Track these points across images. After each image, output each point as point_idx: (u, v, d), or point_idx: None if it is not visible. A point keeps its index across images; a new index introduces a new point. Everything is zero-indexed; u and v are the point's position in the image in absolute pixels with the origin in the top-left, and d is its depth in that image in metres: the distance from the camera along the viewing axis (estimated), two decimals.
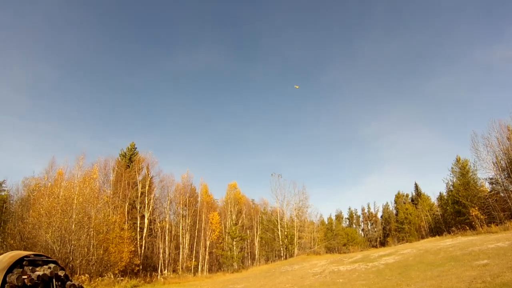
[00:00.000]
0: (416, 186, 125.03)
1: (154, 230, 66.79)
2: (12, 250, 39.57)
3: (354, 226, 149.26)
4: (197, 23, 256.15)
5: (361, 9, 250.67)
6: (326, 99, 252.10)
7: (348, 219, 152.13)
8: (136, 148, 76.00)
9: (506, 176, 58.97)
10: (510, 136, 59.21)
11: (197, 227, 73.58)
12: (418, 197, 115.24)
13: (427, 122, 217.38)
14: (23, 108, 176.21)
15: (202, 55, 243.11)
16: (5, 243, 60.92)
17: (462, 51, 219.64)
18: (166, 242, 66.13)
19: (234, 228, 74.58)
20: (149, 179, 66.45)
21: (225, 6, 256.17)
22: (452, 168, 75.33)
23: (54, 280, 8.21)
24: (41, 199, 46.35)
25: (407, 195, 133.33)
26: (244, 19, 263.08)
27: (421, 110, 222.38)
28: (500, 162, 60.26)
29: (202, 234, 73.41)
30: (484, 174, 68.90)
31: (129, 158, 72.98)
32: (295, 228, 75.70)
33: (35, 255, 15.68)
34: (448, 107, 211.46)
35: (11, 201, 72.23)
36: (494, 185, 63.73)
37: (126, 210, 60.46)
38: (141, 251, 59.52)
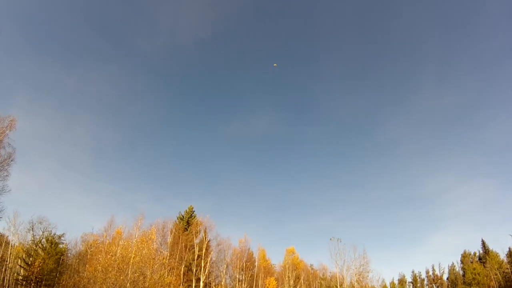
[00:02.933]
0: (483, 243, 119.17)
1: None
2: None
3: None
4: (253, 89, 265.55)
5: (411, 68, 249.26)
6: (385, 158, 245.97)
7: (412, 283, 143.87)
8: (194, 211, 76.59)
9: None
10: None
11: None
12: (486, 254, 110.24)
13: (489, 172, 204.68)
14: (87, 166, 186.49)
15: (258, 120, 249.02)
16: None
17: None
18: None
19: None
20: (206, 243, 65.47)
21: (281, 72, 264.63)
22: None
23: None
24: (98, 255, 46.42)
25: (474, 254, 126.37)
26: (299, 84, 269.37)
27: (482, 160, 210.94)
28: None
29: None
30: None
31: (187, 221, 73.47)
32: None
33: None
34: (510, 155, 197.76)
35: (69, 254, 72.97)
36: None
37: (182, 272, 59.20)
38: None
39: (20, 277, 66.83)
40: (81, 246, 75.99)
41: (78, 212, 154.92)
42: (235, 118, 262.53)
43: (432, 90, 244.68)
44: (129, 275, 42.03)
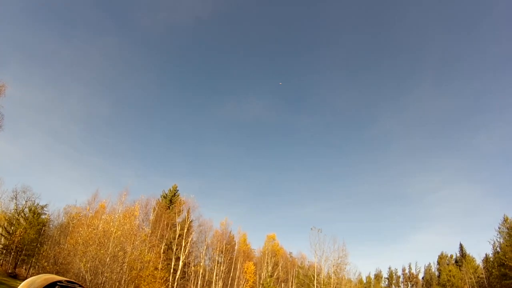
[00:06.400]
0: (461, 247, 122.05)
1: (188, 273, 65.39)
2: (44, 272, 38.62)
3: (394, 286, 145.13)
4: (248, 73, 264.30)
5: (410, 67, 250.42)
6: (375, 153, 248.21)
7: (388, 279, 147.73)
8: (178, 190, 76.57)
9: None
10: None
11: (231, 275, 71.75)
12: (462, 258, 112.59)
13: (476, 178, 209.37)
14: (76, 139, 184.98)
15: (251, 105, 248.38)
16: (38, 264, 61.37)
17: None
18: (198, 287, 64.34)
19: (269, 280, 71.18)
20: (188, 223, 65.73)
21: (278, 58, 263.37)
22: (499, 228, 72.95)
23: None
24: (80, 228, 46.60)
25: (451, 256, 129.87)
26: (296, 72, 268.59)
27: (469, 165, 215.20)
28: None
29: (235, 283, 71.51)
30: None
31: (170, 200, 73.58)
32: (332, 285, 71.84)
33: (67, 281, 13.88)
34: (497, 162, 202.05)
35: (50, 226, 73.11)
36: None
37: (161, 250, 59.60)
38: None
39: (1, 246, 67.00)
40: (63, 218, 75.98)
41: (64, 184, 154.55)
42: (228, 101, 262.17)
43: (429, 90, 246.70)
44: (109, 249, 42.19)
